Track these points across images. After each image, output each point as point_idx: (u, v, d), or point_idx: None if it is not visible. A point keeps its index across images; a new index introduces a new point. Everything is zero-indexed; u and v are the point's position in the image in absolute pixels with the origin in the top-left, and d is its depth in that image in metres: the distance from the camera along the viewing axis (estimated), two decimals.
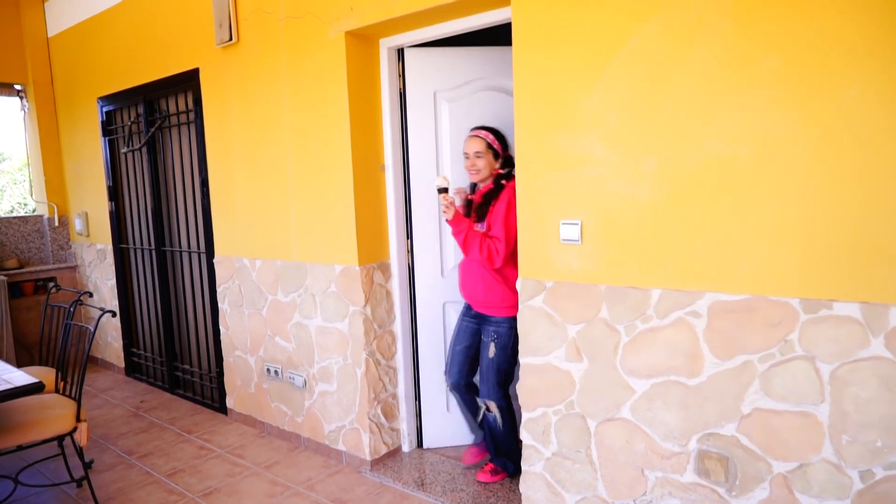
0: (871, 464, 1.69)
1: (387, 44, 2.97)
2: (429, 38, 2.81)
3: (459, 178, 3.03)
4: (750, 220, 1.82)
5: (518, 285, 2.36)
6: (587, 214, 2.15)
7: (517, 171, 2.31)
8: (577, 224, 2.16)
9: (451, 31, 2.70)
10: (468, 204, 2.84)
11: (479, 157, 2.65)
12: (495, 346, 2.75)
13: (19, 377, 2.40)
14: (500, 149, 2.68)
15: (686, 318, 1.97)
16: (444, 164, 3.10)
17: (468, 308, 2.94)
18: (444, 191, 2.60)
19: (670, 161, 1.95)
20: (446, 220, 2.63)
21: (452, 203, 2.60)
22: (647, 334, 2.06)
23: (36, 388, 2.32)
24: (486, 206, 2.67)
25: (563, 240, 2.20)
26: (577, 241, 2.16)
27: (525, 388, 2.40)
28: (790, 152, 1.73)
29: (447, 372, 3.02)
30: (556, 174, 2.20)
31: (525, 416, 2.43)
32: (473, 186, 2.88)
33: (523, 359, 2.39)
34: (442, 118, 3.06)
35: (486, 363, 2.79)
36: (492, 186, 2.71)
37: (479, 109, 3.05)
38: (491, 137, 2.67)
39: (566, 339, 2.25)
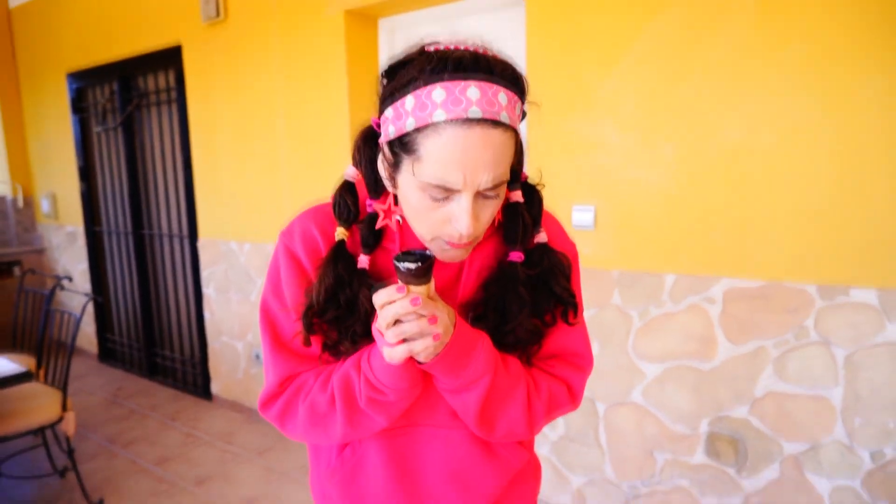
0: (882, 445, 1.75)
1: (385, 24, 2.90)
2: (428, 20, 2.75)
3: None
4: (768, 207, 1.84)
5: None
6: (601, 200, 2.14)
7: (528, 155, 2.28)
8: (590, 210, 2.15)
9: (455, 12, 2.64)
10: None
11: (494, 192, 0.77)
12: None
13: (3, 365, 2.29)
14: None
15: (701, 303, 1.99)
16: None
17: None
18: (421, 266, 0.72)
19: (688, 148, 1.96)
20: (427, 360, 0.79)
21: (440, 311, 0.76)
22: (660, 319, 2.08)
23: (25, 377, 2.21)
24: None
25: (576, 226, 2.19)
26: (591, 227, 2.16)
27: None
28: (812, 140, 1.75)
29: None
30: (570, 158, 2.18)
31: None
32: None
33: None
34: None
35: None
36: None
37: None
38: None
39: None
